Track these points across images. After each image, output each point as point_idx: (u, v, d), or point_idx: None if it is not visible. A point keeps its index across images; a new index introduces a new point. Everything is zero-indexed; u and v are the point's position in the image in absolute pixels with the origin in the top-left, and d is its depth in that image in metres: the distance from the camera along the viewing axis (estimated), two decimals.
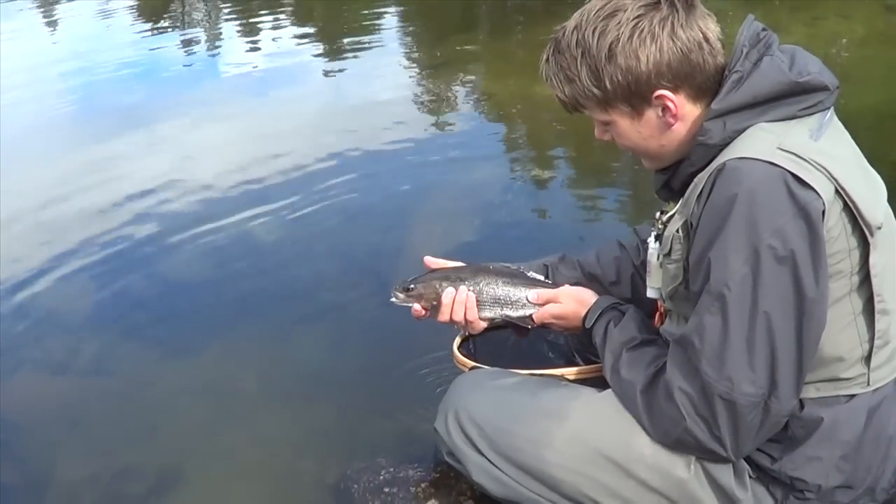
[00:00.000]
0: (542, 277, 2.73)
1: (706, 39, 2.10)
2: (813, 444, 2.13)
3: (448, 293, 2.59)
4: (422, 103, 8.01)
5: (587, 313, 2.52)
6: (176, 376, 3.88)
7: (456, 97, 8.14)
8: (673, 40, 2.07)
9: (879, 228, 2.02)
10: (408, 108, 7.72)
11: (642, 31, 2.07)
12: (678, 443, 2.13)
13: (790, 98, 2.04)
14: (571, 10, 2.20)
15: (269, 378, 3.83)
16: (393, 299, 2.70)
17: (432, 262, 2.78)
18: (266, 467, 3.28)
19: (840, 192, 1.94)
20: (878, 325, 2.08)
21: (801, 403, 2.11)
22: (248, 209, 5.62)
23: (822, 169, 1.92)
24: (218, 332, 4.23)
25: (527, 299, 2.64)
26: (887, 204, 2.16)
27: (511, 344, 2.78)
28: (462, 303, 2.58)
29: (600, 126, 2.28)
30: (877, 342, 2.08)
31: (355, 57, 9.97)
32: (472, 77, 8.94)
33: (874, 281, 2.03)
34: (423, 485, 2.81)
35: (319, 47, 10.69)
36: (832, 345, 2.06)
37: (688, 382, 2.04)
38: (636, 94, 2.12)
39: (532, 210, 5.52)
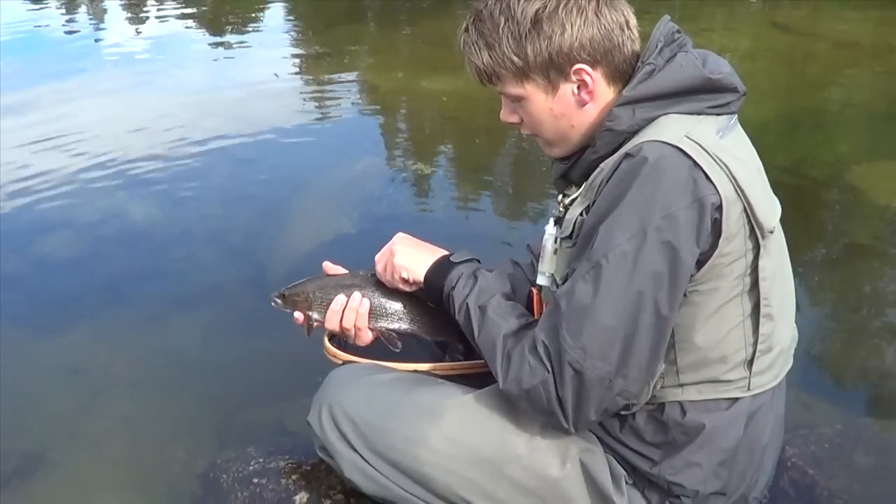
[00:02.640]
0: None
1: (627, 24, 2.09)
2: (693, 450, 2.13)
3: (339, 300, 2.46)
4: (306, 92, 7.93)
5: (450, 254, 2.40)
6: (44, 358, 3.74)
7: (341, 88, 8.04)
8: (598, 16, 2.05)
9: (772, 233, 2.02)
10: (292, 96, 7.64)
11: (569, 2, 2.04)
12: (527, 395, 2.03)
13: (701, 94, 2.05)
14: (459, 7, 2.17)
15: (140, 362, 3.73)
16: (272, 304, 2.57)
17: (331, 268, 2.61)
18: (134, 454, 3.19)
19: (739, 193, 1.93)
20: (763, 329, 2.08)
21: (683, 409, 2.11)
22: (124, 190, 5.51)
23: (723, 166, 1.92)
24: (89, 313, 4.10)
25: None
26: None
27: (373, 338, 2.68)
28: (354, 310, 2.46)
29: (509, 105, 2.21)
30: (760, 346, 2.09)
31: (241, 44, 9.84)
32: (358, 69, 8.88)
33: (762, 285, 2.04)
34: (293, 477, 2.72)
35: (205, 32, 10.52)
36: (719, 345, 2.06)
37: (549, 340, 1.99)
38: (555, 66, 2.07)
39: (413, 204, 5.47)
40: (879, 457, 2.83)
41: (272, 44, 9.78)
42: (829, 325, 4.05)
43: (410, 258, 2.42)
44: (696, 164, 1.89)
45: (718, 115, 2.07)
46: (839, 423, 2.99)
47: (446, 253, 2.41)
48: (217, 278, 4.43)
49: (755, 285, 2.04)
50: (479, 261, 2.40)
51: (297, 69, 8.86)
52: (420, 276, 2.38)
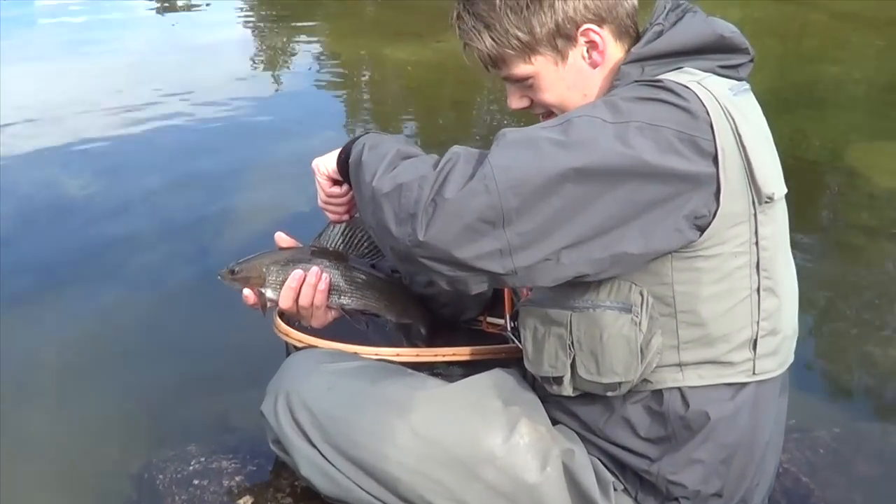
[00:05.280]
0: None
1: None
2: (696, 445, 2.10)
3: (296, 275, 2.39)
4: (260, 59, 7.93)
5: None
6: None
7: (298, 55, 8.04)
8: None
9: (770, 199, 1.99)
10: (245, 63, 7.63)
11: None
12: (399, 190, 1.90)
13: (712, 54, 2.06)
14: None
15: (71, 349, 3.65)
16: (220, 279, 2.48)
17: (284, 240, 2.52)
18: (63, 451, 3.11)
19: (740, 148, 1.92)
20: (765, 304, 2.05)
21: (685, 398, 2.07)
22: (58, 160, 5.47)
23: (730, 118, 1.92)
24: (17, 294, 4.02)
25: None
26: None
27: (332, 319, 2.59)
28: (313, 286, 2.39)
29: (517, 90, 2.19)
30: (763, 324, 2.06)
31: (189, 5, 9.78)
32: (317, 34, 8.85)
33: (762, 255, 2.02)
34: (237, 478, 2.67)
35: None
36: (723, 318, 2.03)
37: (469, 154, 1.90)
38: (562, 34, 2.08)
39: None
40: (882, 464, 2.82)
41: (224, 5, 9.72)
42: (827, 320, 4.04)
43: (323, 157, 2.33)
44: (703, 105, 1.88)
45: (729, 77, 2.07)
46: (837, 427, 2.98)
47: None
48: (158, 258, 4.38)
49: (758, 257, 2.03)
50: None
51: (251, 34, 8.81)
52: (334, 161, 2.29)
